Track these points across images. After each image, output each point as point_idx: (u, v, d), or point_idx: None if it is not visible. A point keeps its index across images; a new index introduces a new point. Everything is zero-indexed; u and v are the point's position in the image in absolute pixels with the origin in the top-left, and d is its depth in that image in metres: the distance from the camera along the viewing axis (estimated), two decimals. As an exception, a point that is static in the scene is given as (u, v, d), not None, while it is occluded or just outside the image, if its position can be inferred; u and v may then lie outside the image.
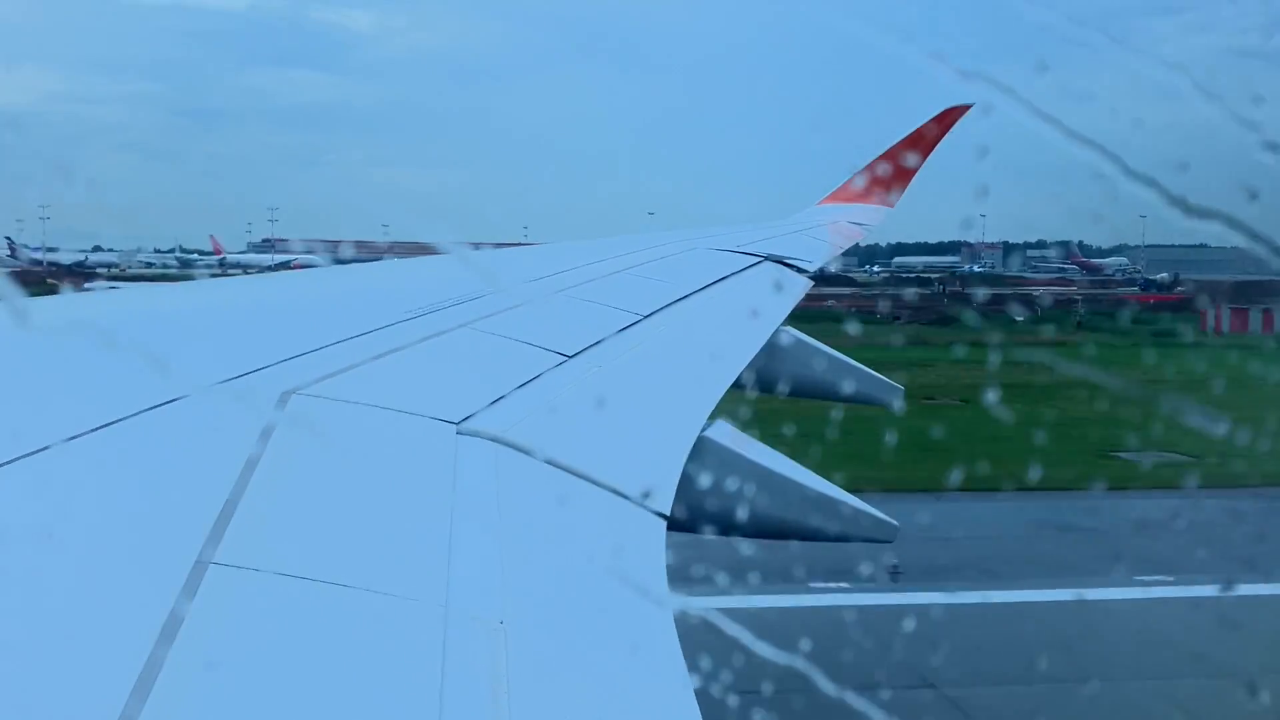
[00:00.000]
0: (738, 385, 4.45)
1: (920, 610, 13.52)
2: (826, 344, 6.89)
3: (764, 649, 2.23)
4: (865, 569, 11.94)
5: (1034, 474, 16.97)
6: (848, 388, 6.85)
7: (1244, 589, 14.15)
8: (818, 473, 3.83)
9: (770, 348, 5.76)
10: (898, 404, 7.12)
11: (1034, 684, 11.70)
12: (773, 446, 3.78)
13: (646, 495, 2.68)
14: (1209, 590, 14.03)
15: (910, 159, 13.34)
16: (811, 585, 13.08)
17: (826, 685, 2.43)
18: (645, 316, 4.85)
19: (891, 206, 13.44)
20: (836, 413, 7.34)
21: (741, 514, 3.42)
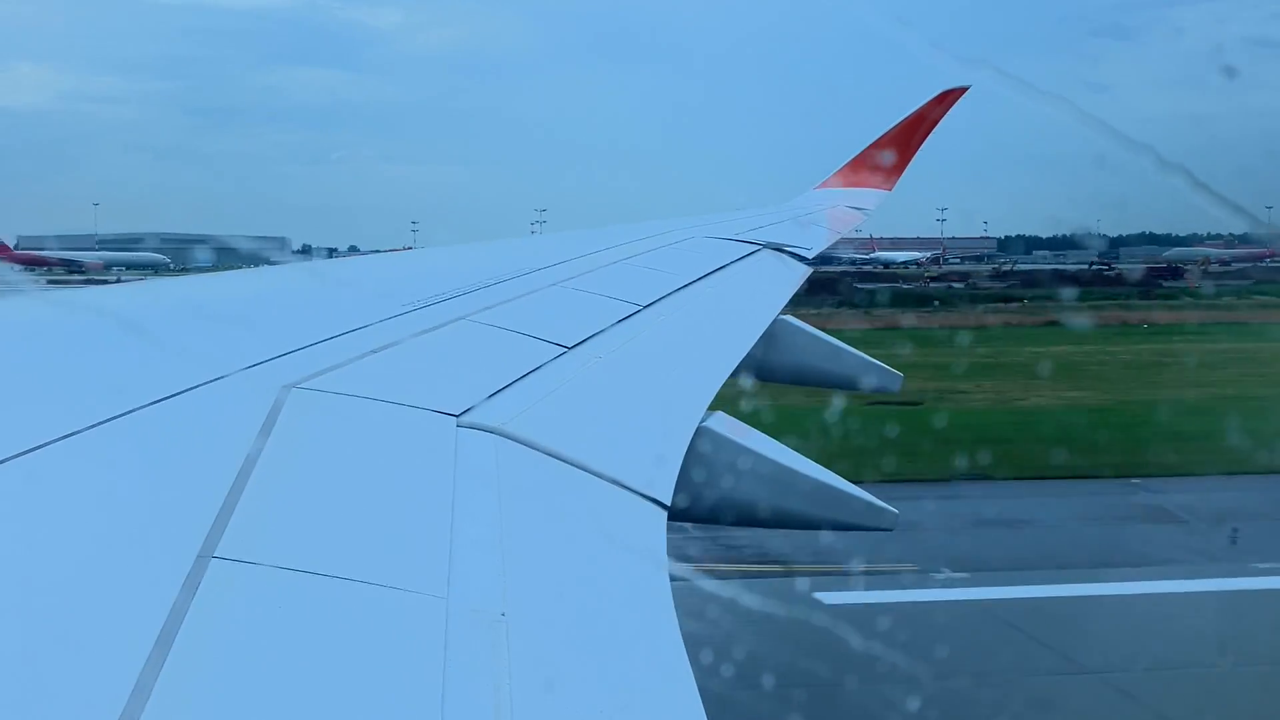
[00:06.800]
0: (737, 374, 4.46)
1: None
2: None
3: None
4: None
5: None
6: (849, 375, 6.86)
7: None
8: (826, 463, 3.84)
9: (769, 336, 5.77)
10: (897, 390, 7.11)
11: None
12: (792, 436, 3.80)
13: (647, 486, 2.69)
14: None
15: (908, 142, 13.30)
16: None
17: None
18: (644, 307, 4.85)
19: (890, 190, 13.39)
20: (845, 400, 7.36)
21: (741, 503, 3.44)
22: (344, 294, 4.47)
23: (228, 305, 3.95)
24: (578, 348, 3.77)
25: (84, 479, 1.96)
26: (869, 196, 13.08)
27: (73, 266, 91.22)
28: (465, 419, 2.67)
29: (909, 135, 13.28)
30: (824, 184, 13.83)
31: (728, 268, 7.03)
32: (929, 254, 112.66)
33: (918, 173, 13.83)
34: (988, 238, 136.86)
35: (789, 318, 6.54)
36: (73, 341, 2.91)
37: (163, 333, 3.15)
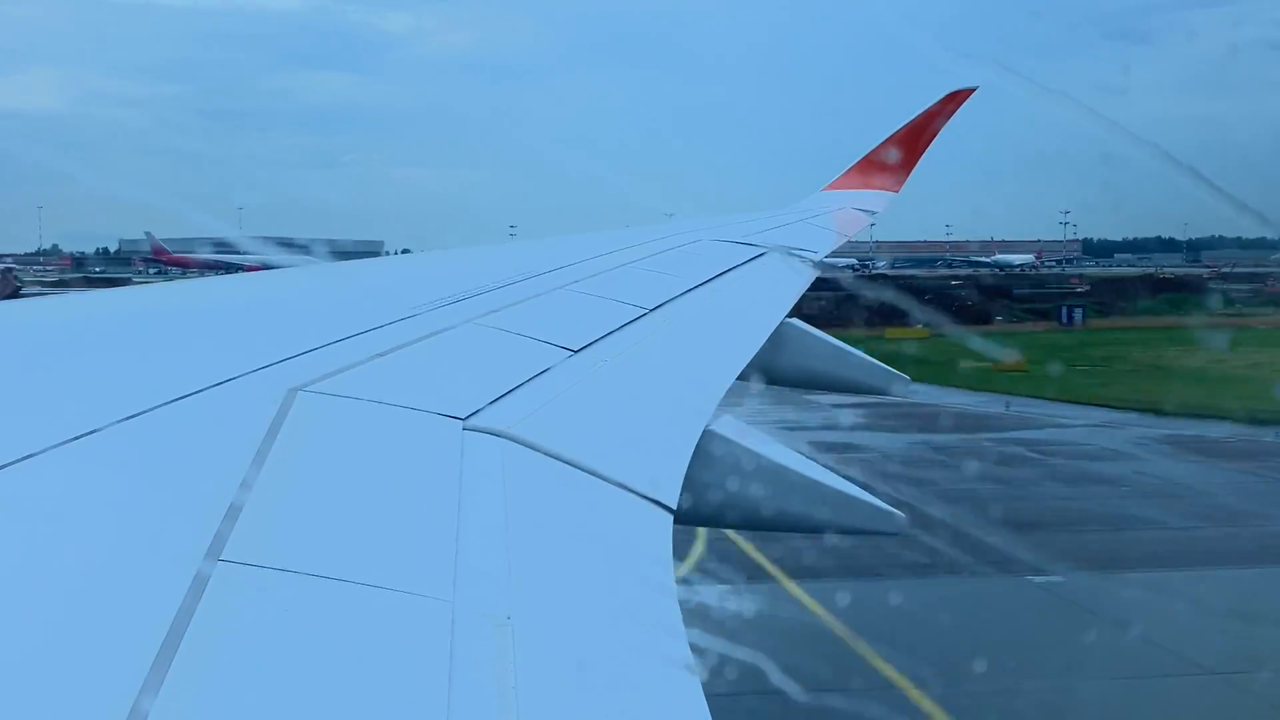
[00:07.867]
0: (744, 377, 4.46)
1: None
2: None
3: None
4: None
5: None
6: (853, 377, 6.85)
7: None
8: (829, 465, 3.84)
9: (776, 339, 5.77)
10: (901, 391, 7.10)
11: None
12: (803, 439, 3.80)
13: (652, 489, 2.69)
14: None
15: (915, 144, 13.28)
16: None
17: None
18: (650, 310, 4.85)
19: (897, 192, 13.37)
20: (850, 401, 7.34)
21: (747, 507, 3.43)
22: (351, 297, 4.48)
23: (236, 308, 3.96)
24: (584, 351, 3.78)
25: (91, 481, 1.97)
26: (876, 198, 13.06)
27: (229, 269, 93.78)
28: (471, 422, 2.67)
29: (916, 137, 13.26)
30: (831, 185, 13.80)
31: (734, 270, 7.03)
32: (1032, 256, 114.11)
33: (925, 172, 13.81)
34: (1074, 240, 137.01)
35: (795, 320, 6.54)
36: (82, 343, 2.93)
37: (171, 335, 3.16)
